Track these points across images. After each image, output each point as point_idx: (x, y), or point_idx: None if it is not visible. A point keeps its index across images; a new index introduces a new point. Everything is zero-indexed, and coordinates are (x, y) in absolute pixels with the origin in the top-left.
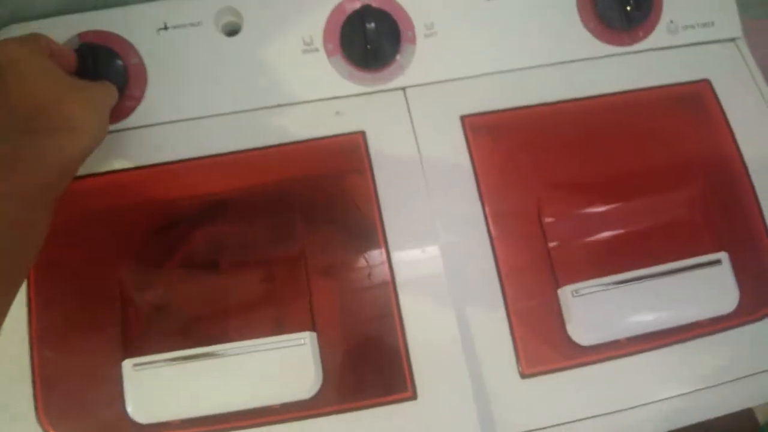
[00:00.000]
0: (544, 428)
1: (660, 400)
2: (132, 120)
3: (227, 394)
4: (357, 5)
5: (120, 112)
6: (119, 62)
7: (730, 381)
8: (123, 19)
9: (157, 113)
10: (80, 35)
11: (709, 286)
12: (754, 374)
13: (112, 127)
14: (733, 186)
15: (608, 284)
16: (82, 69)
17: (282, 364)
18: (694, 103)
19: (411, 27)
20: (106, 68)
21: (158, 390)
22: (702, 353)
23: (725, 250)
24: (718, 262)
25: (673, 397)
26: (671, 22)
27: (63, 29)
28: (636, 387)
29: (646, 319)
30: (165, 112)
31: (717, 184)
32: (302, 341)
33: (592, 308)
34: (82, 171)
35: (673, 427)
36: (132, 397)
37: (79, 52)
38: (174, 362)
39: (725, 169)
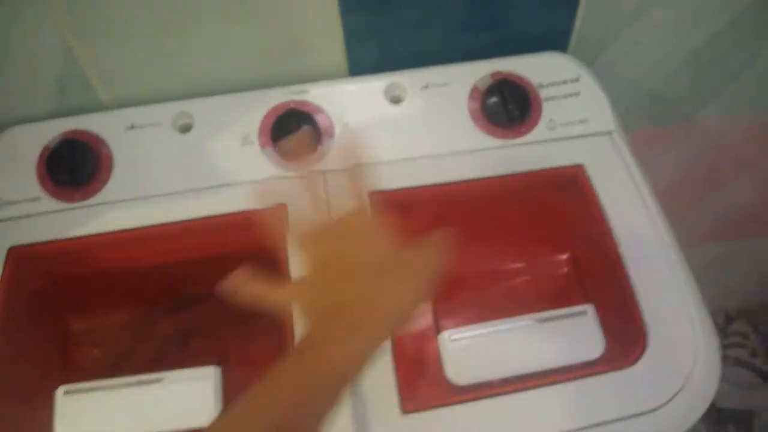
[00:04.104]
0: None
1: None
2: (99, 197)
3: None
4: (285, 109)
5: (90, 191)
6: (91, 153)
7: (596, 424)
8: (99, 121)
9: (120, 193)
10: (63, 133)
11: (576, 334)
12: (619, 419)
13: (82, 203)
14: (604, 252)
15: (480, 330)
16: (63, 159)
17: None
18: (570, 184)
19: (331, 124)
20: (81, 157)
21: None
22: (571, 397)
23: (593, 303)
24: (583, 313)
25: None
26: (550, 120)
27: (54, 130)
28: (509, 425)
29: (515, 362)
30: (127, 192)
31: (590, 250)
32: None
33: (465, 351)
34: (51, 236)
35: None
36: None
37: (61, 145)
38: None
39: (596, 237)
